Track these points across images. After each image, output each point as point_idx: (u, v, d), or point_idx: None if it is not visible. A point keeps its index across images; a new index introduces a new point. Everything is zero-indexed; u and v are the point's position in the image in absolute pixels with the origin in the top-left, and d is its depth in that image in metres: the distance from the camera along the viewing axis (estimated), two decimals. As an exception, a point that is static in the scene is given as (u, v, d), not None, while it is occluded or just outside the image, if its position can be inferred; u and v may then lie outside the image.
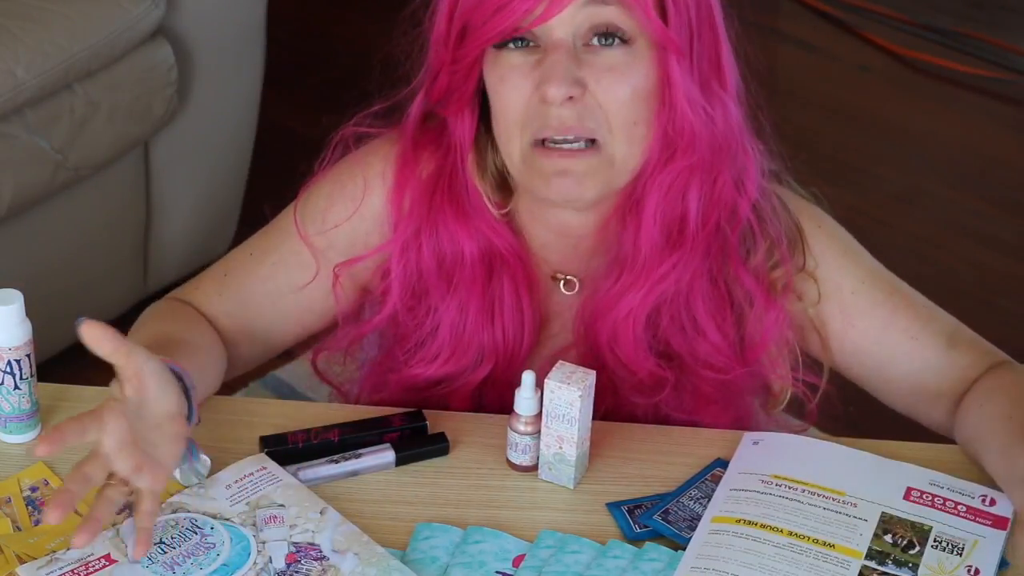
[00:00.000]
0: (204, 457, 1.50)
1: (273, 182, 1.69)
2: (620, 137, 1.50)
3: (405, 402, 1.64)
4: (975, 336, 1.65)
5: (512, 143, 1.52)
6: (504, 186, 1.59)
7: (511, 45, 1.49)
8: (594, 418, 1.54)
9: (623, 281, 1.57)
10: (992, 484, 1.54)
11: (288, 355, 1.73)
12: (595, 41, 1.48)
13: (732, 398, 1.65)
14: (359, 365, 1.73)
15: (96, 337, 1.35)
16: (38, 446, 1.31)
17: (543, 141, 1.50)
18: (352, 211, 1.61)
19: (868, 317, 1.62)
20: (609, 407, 1.62)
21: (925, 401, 1.64)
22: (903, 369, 1.63)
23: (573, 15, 1.46)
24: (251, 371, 1.71)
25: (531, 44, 1.48)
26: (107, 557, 1.41)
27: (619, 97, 1.48)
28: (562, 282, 1.63)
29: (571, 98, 1.47)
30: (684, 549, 1.46)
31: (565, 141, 1.49)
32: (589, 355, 1.60)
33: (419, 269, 1.60)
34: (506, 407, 1.61)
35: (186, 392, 1.43)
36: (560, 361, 1.52)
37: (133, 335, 1.58)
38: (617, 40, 1.48)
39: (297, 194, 1.64)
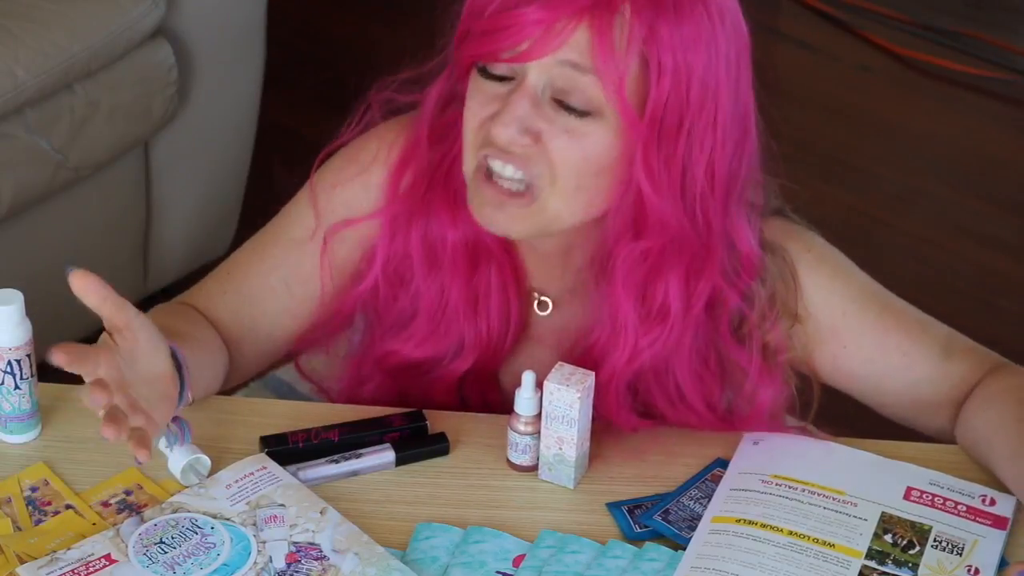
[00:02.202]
0: (204, 457, 1.50)
1: (273, 182, 1.69)
2: (559, 194, 1.48)
3: (385, 391, 1.65)
4: (971, 343, 1.64)
5: (468, 157, 1.52)
6: None
7: (491, 72, 1.48)
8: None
9: (602, 346, 1.55)
10: (994, 485, 1.54)
11: (288, 356, 1.73)
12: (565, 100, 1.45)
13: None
14: (341, 359, 1.73)
15: (85, 287, 1.38)
16: (56, 355, 1.34)
17: (489, 172, 1.49)
18: (358, 173, 1.62)
19: (859, 338, 1.61)
20: None
21: (925, 413, 1.64)
22: (898, 385, 1.63)
23: (549, 67, 1.44)
24: (250, 371, 1.71)
25: (508, 78, 1.47)
26: (107, 557, 1.41)
27: (568, 160, 1.46)
28: (536, 301, 1.64)
29: (519, 144, 1.46)
30: (684, 549, 1.46)
31: (503, 177, 1.48)
32: None
33: (405, 247, 1.61)
34: (488, 403, 1.62)
35: (179, 369, 1.45)
36: (559, 363, 1.52)
37: None
38: (582, 111, 1.45)
39: (317, 159, 1.65)
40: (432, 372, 1.64)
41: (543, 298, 1.63)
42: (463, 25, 1.50)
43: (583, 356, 1.57)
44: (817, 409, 1.67)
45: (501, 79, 1.48)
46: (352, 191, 1.62)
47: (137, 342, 1.40)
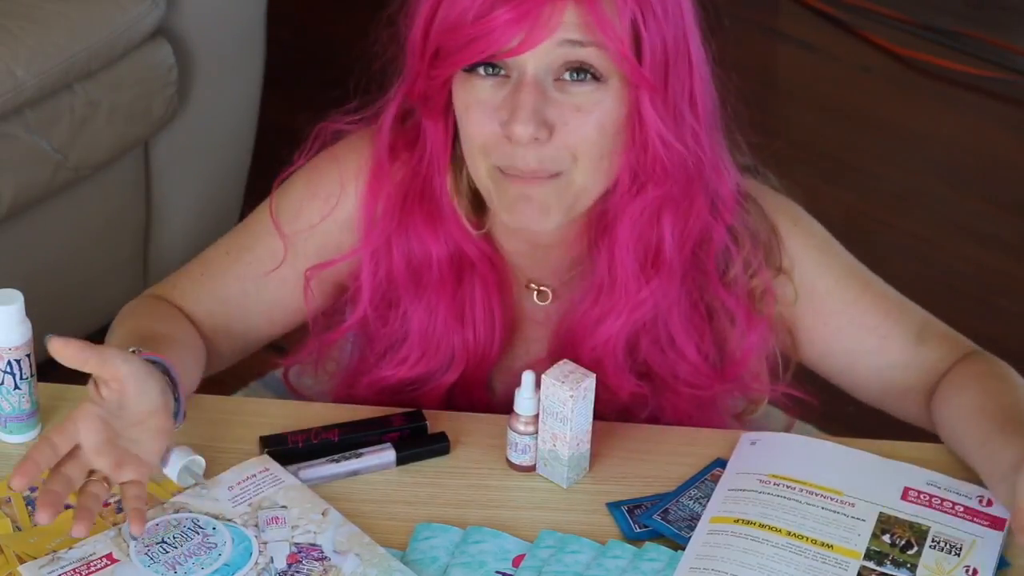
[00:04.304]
0: (199, 458, 1.50)
1: (273, 182, 1.69)
2: (584, 168, 1.48)
3: (376, 405, 1.64)
4: (946, 330, 1.65)
5: (478, 164, 1.51)
6: (480, 202, 1.58)
7: (481, 71, 1.47)
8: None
9: (601, 306, 1.56)
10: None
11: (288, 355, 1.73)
12: (567, 76, 1.46)
13: (708, 413, 1.65)
14: (330, 376, 1.73)
15: (63, 353, 1.37)
16: (14, 479, 1.34)
17: (504, 170, 1.49)
18: (326, 213, 1.61)
19: (839, 316, 1.62)
20: None
21: (894, 397, 1.65)
22: (871, 367, 1.64)
23: (547, 52, 1.44)
24: (251, 371, 1.72)
25: (502, 72, 1.47)
26: (109, 556, 1.41)
27: (586, 136, 1.47)
28: (535, 292, 1.64)
29: (536, 139, 1.45)
30: (684, 549, 1.46)
31: (524, 170, 1.48)
32: None
33: (389, 274, 1.60)
34: (475, 409, 1.62)
35: (174, 388, 1.44)
36: (564, 360, 1.52)
37: (114, 330, 1.59)
38: (589, 76, 1.46)
39: (272, 186, 1.64)
40: (423, 387, 1.64)
41: (542, 288, 1.64)
42: (431, 43, 1.48)
43: (581, 320, 1.57)
44: (817, 408, 1.68)
45: (496, 79, 1.47)
46: (325, 231, 1.62)
47: (127, 391, 1.39)
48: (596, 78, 1.46)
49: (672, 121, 1.49)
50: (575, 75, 1.46)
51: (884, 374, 1.64)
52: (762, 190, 1.63)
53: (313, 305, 1.64)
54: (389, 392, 1.64)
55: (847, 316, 1.62)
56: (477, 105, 1.48)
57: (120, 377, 1.38)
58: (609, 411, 1.61)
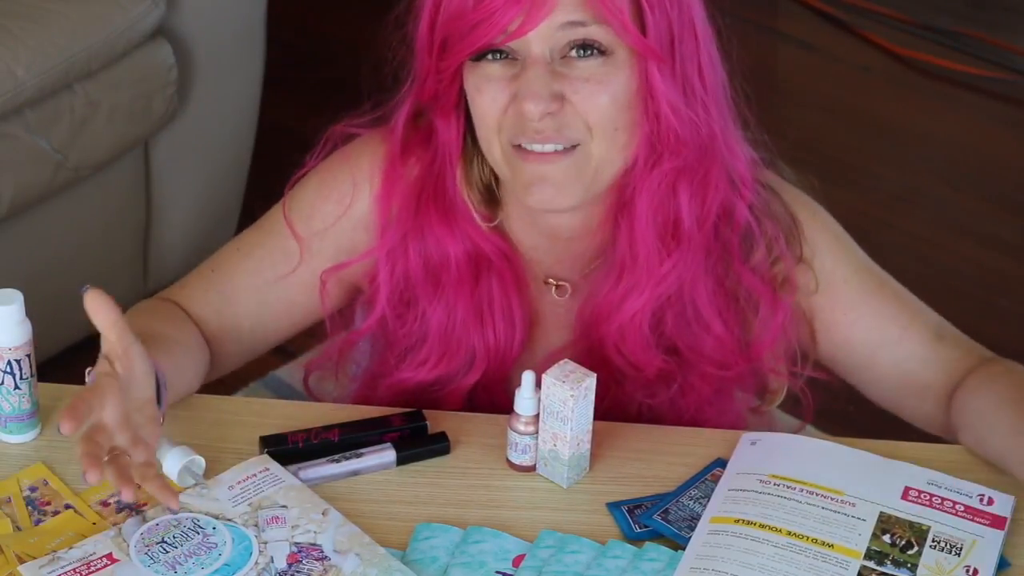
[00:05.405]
0: (199, 458, 1.50)
1: (273, 182, 1.69)
2: (600, 140, 1.50)
3: (397, 406, 1.64)
4: (960, 332, 1.66)
5: (492, 145, 1.53)
6: (492, 198, 1.60)
7: (489, 57, 1.49)
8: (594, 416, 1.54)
9: (624, 284, 1.57)
10: (993, 484, 1.54)
11: (289, 355, 1.73)
12: (573, 53, 1.48)
13: (728, 401, 1.66)
14: (351, 379, 1.73)
15: (98, 306, 1.38)
16: (63, 424, 1.33)
17: (520, 147, 1.50)
18: (340, 213, 1.62)
19: (860, 306, 1.64)
20: (609, 406, 1.62)
21: (913, 393, 1.65)
22: (892, 359, 1.64)
23: (551, 33, 1.46)
24: (251, 371, 1.72)
25: (509, 57, 1.49)
26: (109, 556, 1.41)
27: (599, 105, 1.48)
28: (554, 287, 1.64)
29: (550, 113, 1.47)
30: (684, 549, 1.46)
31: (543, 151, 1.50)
32: (589, 356, 1.60)
33: (406, 274, 1.61)
34: (497, 409, 1.62)
35: (157, 388, 1.45)
36: (565, 359, 1.52)
37: None
38: (595, 51, 1.48)
39: (285, 189, 1.65)
40: (444, 388, 1.64)
41: (560, 283, 1.64)
42: (438, 34, 1.50)
43: (605, 300, 1.58)
44: (816, 407, 1.68)
45: (504, 62, 1.49)
46: (340, 231, 1.62)
47: (133, 370, 1.40)
48: (602, 52, 1.48)
49: (682, 92, 1.51)
50: (581, 52, 1.47)
51: (904, 367, 1.64)
52: (780, 182, 1.65)
53: (328, 306, 1.64)
54: (410, 395, 1.65)
55: (868, 306, 1.63)
56: (488, 83, 1.50)
57: (132, 354, 1.39)
58: (636, 388, 1.62)
